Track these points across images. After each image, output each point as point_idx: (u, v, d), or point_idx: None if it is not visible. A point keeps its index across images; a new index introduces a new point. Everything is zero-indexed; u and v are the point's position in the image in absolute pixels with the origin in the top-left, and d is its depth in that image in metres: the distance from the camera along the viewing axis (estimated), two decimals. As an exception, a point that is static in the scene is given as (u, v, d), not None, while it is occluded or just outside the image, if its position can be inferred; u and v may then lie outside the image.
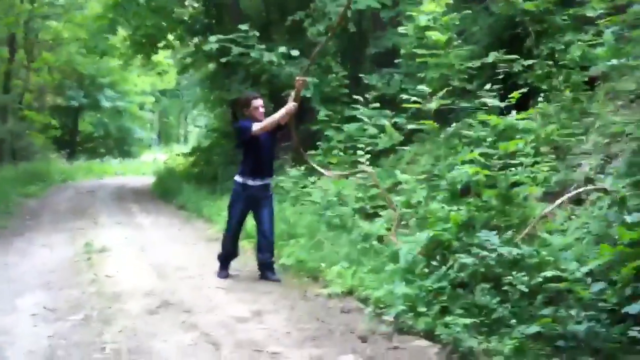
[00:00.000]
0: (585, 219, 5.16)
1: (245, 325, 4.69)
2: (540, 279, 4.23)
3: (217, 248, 6.46)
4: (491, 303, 4.26)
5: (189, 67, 17.61)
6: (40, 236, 8.87)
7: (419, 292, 4.65)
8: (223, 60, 11.71)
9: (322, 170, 7.00)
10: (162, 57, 22.65)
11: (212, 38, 11.38)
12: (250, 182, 6.10)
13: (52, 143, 28.12)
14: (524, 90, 7.01)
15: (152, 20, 15.09)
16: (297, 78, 6.14)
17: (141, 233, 9.08)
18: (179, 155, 19.66)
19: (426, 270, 4.89)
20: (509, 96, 6.71)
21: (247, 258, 6.76)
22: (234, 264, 6.42)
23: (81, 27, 21.09)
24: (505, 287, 4.30)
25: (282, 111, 6.01)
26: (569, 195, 5.10)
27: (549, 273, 4.22)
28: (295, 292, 5.63)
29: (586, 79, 7.29)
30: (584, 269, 4.17)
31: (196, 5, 16.56)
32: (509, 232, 4.87)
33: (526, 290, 4.21)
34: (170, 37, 17.17)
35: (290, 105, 6.02)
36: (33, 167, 20.07)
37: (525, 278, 4.28)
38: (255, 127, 5.96)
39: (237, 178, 6.19)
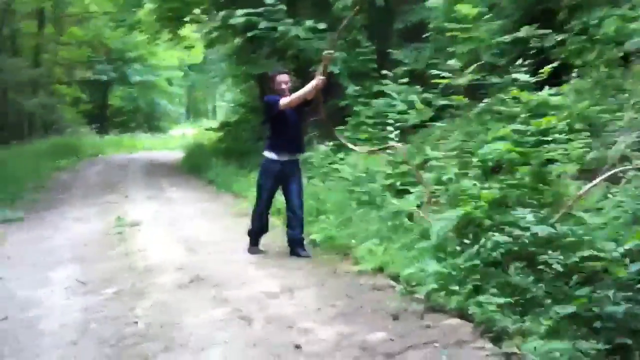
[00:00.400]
0: (622, 197, 5.06)
1: (275, 300, 4.71)
2: (576, 259, 4.16)
3: (247, 223, 6.48)
4: (525, 282, 4.20)
5: (216, 42, 17.53)
6: (73, 210, 9.01)
7: (450, 271, 4.61)
8: (249, 34, 11.64)
9: (351, 146, 6.95)
10: (189, 31, 22.64)
11: (239, 12, 11.30)
12: (279, 157, 6.09)
13: (82, 117, 28.49)
14: (555, 64, 6.84)
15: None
16: (324, 52, 6.09)
17: (171, 207, 9.16)
18: (207, 130, 19.69)
19: (458, 248, 4.84)
20: (540, 71, 6.56)
21: (276, 234, 6.75)
22: (264, 240, 6.43)
23: (109, 1, 21.11)
24: (540, 267, 4.23)
25: (309, 86, 5.95)
26: (606, 174, 4.97)
27: (585, 252, 4.14)
28: (325, 268, 5.62)
29: (621, 55, 7.12)
30: (621, 249, 4.08)
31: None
32: (544, 211, 4.78)
33: (562, 269, 4.14)
34: (197, 11, 17.10)
35: (318, 79, 5.95)
36: (64, 141, 20.36)
37: (561, 257, 4.21)
38: (283, 101, 5.94)
39: (266, 153, 6.18)
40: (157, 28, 17.62)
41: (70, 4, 26.05)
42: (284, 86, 6.08)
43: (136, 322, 4.25)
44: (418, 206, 6.46)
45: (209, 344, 3.84)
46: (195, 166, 14.32)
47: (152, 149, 24.04)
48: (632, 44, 7.24)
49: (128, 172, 14.46)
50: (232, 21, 11.61)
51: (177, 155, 18.43)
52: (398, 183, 7.45)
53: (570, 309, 3.77)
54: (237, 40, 17.20)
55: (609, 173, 4.98)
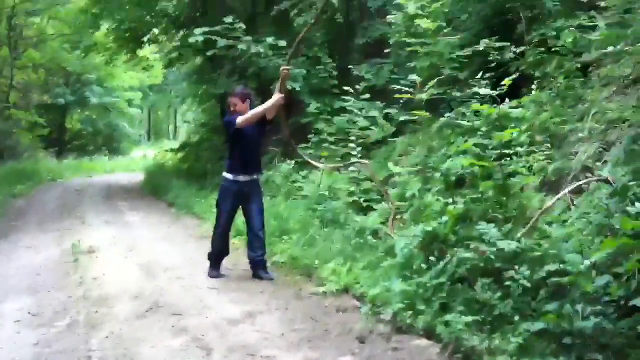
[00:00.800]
0: (586, 208, 5.01)
1: (237, 327, 4.52)
2: (543, 274, 4.09)
3: (208, 246, 6.28)
4: (493, 299, 4.12)
5: (175, 62, 17.33)
6: (27, 237, 8.66)
7: (417, 289, 4.50)
8: (209, 53, 11.49)
9: (315, 163, 6.84)
10: (149, 52, 22.37)
11: (198, 31, 11.15)
12: (238, 178, 5.94)
13: (40, 142, 27.78)
14: (515, 76, 6.87)
15: (136, 13, 14.81)
16: (282, 68, 5.97)
17: (130, 232, 8.88)
18: (168, 151, 19.38)
19: (424, 266, 4.73)
20: (501, 84, 6.55)
21: (238, 256, 6.58)
22: (225, 263, 6.24)
23: (66, 23, 20.75)
24: (508, 282, 4.14)
25: (268, 103, 5.85)
26: (571, 187, 4.92)
27: (552, 267, 4.07)
28: (289, 291, 5.47)
29: (579, 66, 7.17)
30: (588, 262, 4.01)
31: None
32: (508, 225, 4.71)
33: (529, 285, 4.06)
34: (156, 31, 16.89)
35: (277, 96, 5.84)
36: (21, 166, 19.78)
37: (528, 272, 4.13)
38: (239, 120, 5.79)
39: (225, 174, 6.03)
40: (115, 49, 17.34)
41: (25, 27, 25.51)
42: (239, 107, 5.95)
43: (90, 357, 4.01)
44: (382, 223, 6.37)
45: (167, 377, 3.64)
46: (155, 188, 14.03)
47: (113, 171, 23.59)
48: (589, 55, 7.32)
49: (86, 196, 14.06)
50: (190, 40, 11.45)
51: (138, 177, 18.08)
52: (362, 200, 7.36)
53: (539, 325, 3.69)
54: (197, 60, 17.07)
55: (574, 186, 4.94)
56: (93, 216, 10.54)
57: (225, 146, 6.30)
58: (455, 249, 4.59)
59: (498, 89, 6.60)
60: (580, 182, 4.99)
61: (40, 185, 17.17)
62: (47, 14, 23.09)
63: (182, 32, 16.10)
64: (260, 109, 5.85)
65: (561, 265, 4.06)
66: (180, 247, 7.67)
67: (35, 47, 26.85)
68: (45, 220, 10.27)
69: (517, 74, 7.09)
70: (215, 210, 6.21)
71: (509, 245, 4.35)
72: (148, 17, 15.31)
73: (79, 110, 32.57)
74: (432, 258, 4.73)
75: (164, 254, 7.20)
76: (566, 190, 4.88)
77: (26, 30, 26.02)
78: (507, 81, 6.44)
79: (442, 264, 4.60)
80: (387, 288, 4.68)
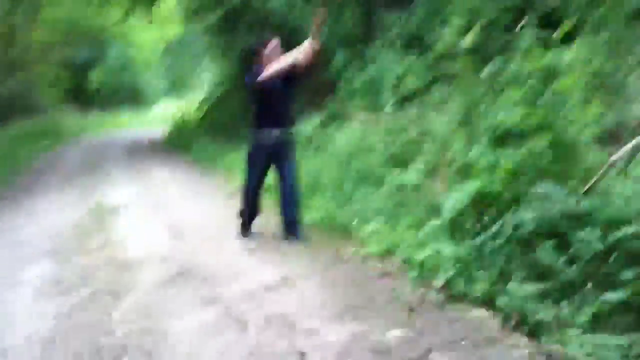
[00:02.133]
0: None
1: (273, 294, 4.15)
2: (616, 236, 3.65)
3: (237, 204, 5.88)
4: (558, 264, 3.70)
5: (194, 15, 16.79)
6: (51, 194, 8.40)
7: (470, 253, 4.09)
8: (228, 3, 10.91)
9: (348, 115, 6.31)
10: (167, 6, 21.78)
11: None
12: (267, 134, 5.49)
13: (63, 97, 27.61)
14: (573, 19, 6.27)
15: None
16: (317, 9, 5.39)
17: (156, 189, 8.56)
18: (191, 105, 18.99)
19: (477, 226, 4.31)
20: (557, 29, 5.97)
21: (271, 215, 6.16)
22: (257, 222, 5.86)
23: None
24: (575, 246, 3.71)
25: (293, 53, 5.19)
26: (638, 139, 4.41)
27: (627, 229, 3.62)
28: (326, 252, 5.06)
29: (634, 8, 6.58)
30: (667, 224, 3.57)
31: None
32: (571, 182, 4.26)
33: (601, 247, 3.62)
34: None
35: (307, 43, 5.17)
36: (44, 122, 19.63)
37: (600, 233, 3.69)
38: (262, 76, 5.25)
39: (254, 129, 5.57)
40: (130, 3, 16.79)
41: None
42: (266, 57, 5.34)
43: (113, 331, 3.68)
44: (424, 178, 5.93)
45: (198, 356, 3.29)
46: (179, 143, 13.71)
47: (136, 126, 23.36)
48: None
49: (110, 152, 13.79)
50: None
51: (161, 132, 17.75)
52: (399, 153, 6.90)
53: (616, 295, 3.27)
54: (217, 12, 16.47)
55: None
56: (118, 172, 10.27)
57: (248, 104, 5.75)
58: (513, 208, 4.16)
59: (554, 34, 6.00)
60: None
61: (64, 141, 16.97)
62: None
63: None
64: (287, 58, 5.23)
65: (637, 228, 3.62)
66: (209, 204, 7.33)
67: (53, 3, 26.38)
68: (70, 176, 10.01)
69: (574, 18, 6.48)
70: (245, 166, 5.77)
71: (576, 204, 3.92)
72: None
73: (100, 67, 32.20)
74: (485, 218, 4.30)
75: (192, 212, 6.87)
76: (631, 143, 4.36)
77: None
78: (565, 25, 5.86)
79: (497, 224, 4.17)
80: (437, 250, 4.28)
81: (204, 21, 18.75)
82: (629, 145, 4.46)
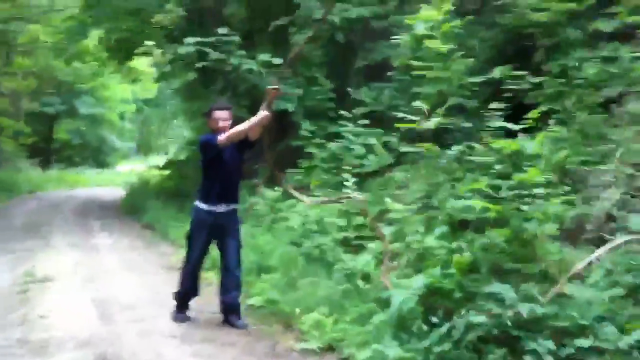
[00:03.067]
0: (610, 264, 4.27)
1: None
2: (571, 349, 3.32)
3: (176, 282, 5.44)
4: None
5: (167, 76, 16.63)
6: (-21, 259, 7.82)
7: (415, 356, 3.71)
8: (199, 64, 10.74)
9: (299, 196, 6.04)
10: (142, 64, 21.72)
11: (189, 39, 10.42)
12: (214, 208, 5.14)
13: (25, 150, 26.97)
14: (544, 109, 6.15)
15: (128, 23, 14.10)
16: (269, 87, 5.18)
17: (95, 257, 8.04)
18: (152, 167, 18.58)
19: (424, 327, 3.95)
20: (525, 117, 5.81)
21: (209, 294, 5.68)
22: (194, 304, 5.41)
23: (56, 31, 20.06)
24: (527, 358, 3.37)
25: (251, 120, 5.00)
26: (611, 245, 4.14)
27: (583, 341, 3.30)
28: (263, 344, 4.65)
29: (601, 100, 6.50)
30: (630, 340, 3.26)
31: (177, 10, 15.60)
32: (527, 285, 3.95)
33: (553, 362, 3.29)
34: (149, 43, 16.20)
35: (261, 114, 5.00)
36: (0, 175, 18.99)
37: (552, 345, 3.36)
38: (222, 137, 5.00)
39: (199, 203, 5.23)
40: (104, 59, 16.64)
41: (16, 33, 24.80)
42: (221, 124, 5.15)
43: None
44: (375, 265, 5.58)
45: None
46: (133, 207, 13.20)
47: (96, 185, 22.82)
48: (612, 90, 6.66)
49: (60, 212, 13.20)
50: (180, 50, 10.70)
51: (120, 193, 17.25)
52: (353, 237, 6.57)
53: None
54: (190, 75, 16.35)
55: (614, 244, 4.14)
56: (60, 236, 9.71)
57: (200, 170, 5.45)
58: (463, 310, 3.82)
59: (520, 121, 5.82)
60: (620, 241, 4.17)
61: (16, 197, 16.36)
62: (40, 21, 22.33)
63: (175, 45, 15.47)
64: (243, 125, 5.01)
65: (596, 341, 3.30)
66: (148, 280, 6.82)
67: (26, 53, 26.17)
68: (8, 238, 9.41)
69: (542, 106, 6.37)
70: (185, 242, 5.37)
71: (531, 309, 3.59)
72: (140, 28, 14.58)
73: (68, 120, 31.80)
74: (434, 319, 3.94)
75: (127, 288, 6.37)
76: (602, 250, 4.08)
77: (18, 37, 25.36)
78: (533, 113, 5.70)
79: (446, 326, 3.82)
80: (380, 351, 3.89)
81: (176, 83, 18.70)
82: (598, 253, 4.18)
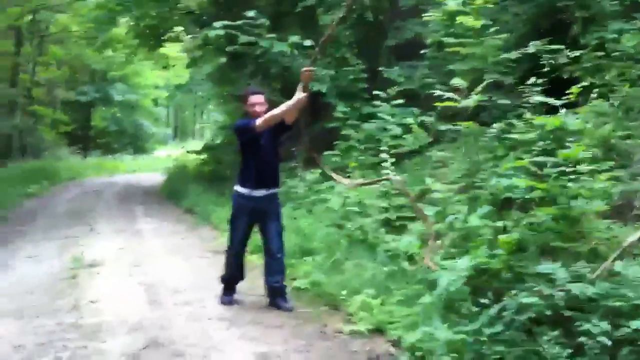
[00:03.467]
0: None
1: (248, 377, 3.76)
2: (628, 329, 3.28)
3: (223, 262, 5.50)
4: (562, 356, 3.32)
5: (197, 61, 16.70)
6: (29, 245, 8.03)
7: (466, 338, 3.71)
8: (229, 49, 10.74)
9: (338, 178, 6.03)
10: (173, 50, 21.83)
11: (218, 24, 10.42)
12: (252, 192, 5.16)
13: (64, 139, 27.45)
14: (585, 84, 6.01)
15: (156, 9, 14.15)
16: (304, 69, 5.14)
17: (140, 242, 8.19)
18: (189, 152, 18.72)
19: (474, 308, 3.93)
20: (564, 92, 5.70)
21: (254, 277, 5.75)
22: (240, 287, 5.48)
23: (86, 20, 20.27)
24: (582, 338, 3.34)
25: (287, 104, 4.98)
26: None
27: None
28: (311, 326, 4.68)
29: (640, 73, 6.36)
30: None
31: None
32: (579, 263, 3.90)
33: (609, 342, 3.25)
34: (177, 29, 16.26)
35: (297, 97, 4.98)
36: (41, 164, 19.40)
37: (607, 326, 3.32)
38: (258, 121, 4.99)
39: (238, 188, 5.26)
40: (135, 46, 16.76)
41: (49, 23, 25.14)
42: (257, 108, 5.13)
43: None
44: (419, 247, 5.56)
45: None
46: (174, 192, 13.35)
47: (135, 171, 23.11)
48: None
49: (101, 198, 13.44)
50: (210, 34, 10.71)
51: (159, 178, 17.47)
52: (394, 218, 6.56)
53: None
54: (220, 59, 16.38)
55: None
56: (104, 222, 9.90)
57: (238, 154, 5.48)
58: (514, 291, 3.79)
59: (564, 97, 5.71)
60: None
61: (58, 185, 16.69)
62: (71, 10, 22.58)
63: (204, 30, 15.50)
64: (280, 108, 5.00)
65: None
66: (193, 264, 6.93)
67: (59, 43, 26.53)
68: (53, 225, 9.64)
69: (577, 81, 6.24)
70: (228, 227, 5.42)
71: (582, 289, 3.56)
72: (168, 14, 14.64)
73: (104, 108, 32.23)
74: (483, 300, 3.92)
75: (173, 272, 6.48)
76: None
77: (51, 27, 25.70)
78: (574, 89, 5.60)
79: (496, 307, 3.80)
80: (429, 334, 3.90)
81: (207, 68, 18.76)
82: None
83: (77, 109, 30.01)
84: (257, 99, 5.19)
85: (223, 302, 5.32)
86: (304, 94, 4.99)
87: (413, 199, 5.84)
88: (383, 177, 6.31)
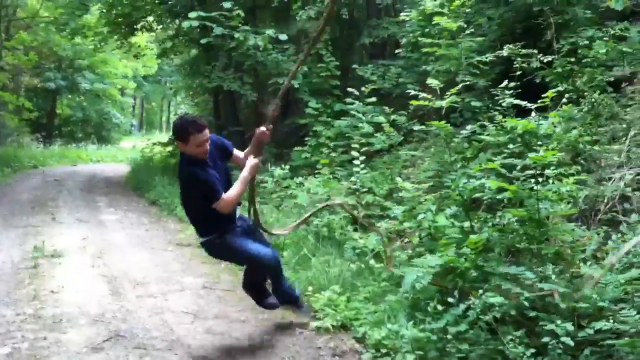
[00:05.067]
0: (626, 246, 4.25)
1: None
2: (590, 331, 3.32)
3: (188, 255, 5.43)
4: (525, 356, 3.35)
5: (169, 52, 16.51)
6: (-12, 234, 7.81)
7: (431, 336, 3.71)
8: (203, 41, 10.61)
9: (275, 231, 5.35)
10: (143, 40, 21.51)
11: (192, 14, 10.26)
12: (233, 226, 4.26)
13: (26, 126, 26.84)
14: (561, 89, 6.10)
15: (129, -3, 13.94)
16: (261, 128, 4.30)
17: (103, 233, 8.02)
18: (156, 144, 18.46)
19: (439, 307, 3.94)
20: (535, 96, 5.77)
21: (220, 270, 5.70)
22: (207, 280, 5.41)
23: (56, 5, 19.86)
24: (546, 338, 3.37)
25: (244, 176, 4.17)
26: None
27: (602, 324, 3.30)
28: (276, 322, 4.65)
29: (611, 80, 6.46)
30: (647, 322, 3.25)
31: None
32: (547, 266, 3.94)
33: (571, 343, 3.29)
34: (150, 18, 16.04)
35: (250, 164, 4.24)
36: (3, 150, 18.94)
37: (571, 327, 3.36)
38: (222, 204, 3.99)
39: (214, 238, 4.22)
40: (105, 34, 16.47)
41: (17, 8, 24.56)
42: (202, 148, 4.00)
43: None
44: (386, 243, 5.55)
45: None
46: (139, 183, 13.14)
47: (98, 161, 22.73)
48: (622, 69, 6.63)
49: (64, 187, 13.13)
50: (184, 24, 10.55)
51: (123, 169, 17.19)
52: (362, 215, 6.55)
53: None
54: (192, 51, 16.22)
55: None
56: (66, 212, 9.68)
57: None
58: (480, 291, 3.80)
59: (539, 101, 5.78)
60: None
61: (19, 173, 16.28)
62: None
63: (177, 21, 15.31)
64: (239, 186, 4.13)
65: (615, 324, 3.29)
66: (157, 256, 6.81)
67: (27, 29, 25.94)
68: (14, 213, 9.39)
69: (548, 85, 6.32)
70: (239, 251, 4.29)
71: (551, 290, 3.59)
72: (142, 2, 14.42)
73: (70, 96, 31.63)
74: (449, 299, 3.93)
75: (136, 264, 6.37)
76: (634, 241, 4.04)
77: (19, 12, 25.12)
78: (550, 93, 5.65)
79: (462, 306, 3.81)
80: (395, 331, 3.90)
81: (178, 59, 18.55)
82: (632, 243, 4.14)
83: (42, 95, 29.40)
84: (202, 137, 3.97)
85: (272, 306, 4.54)
86: (256, 160, 4.31)
87: (360, 218, 5.85)
88: (321, 206, 5.84)
